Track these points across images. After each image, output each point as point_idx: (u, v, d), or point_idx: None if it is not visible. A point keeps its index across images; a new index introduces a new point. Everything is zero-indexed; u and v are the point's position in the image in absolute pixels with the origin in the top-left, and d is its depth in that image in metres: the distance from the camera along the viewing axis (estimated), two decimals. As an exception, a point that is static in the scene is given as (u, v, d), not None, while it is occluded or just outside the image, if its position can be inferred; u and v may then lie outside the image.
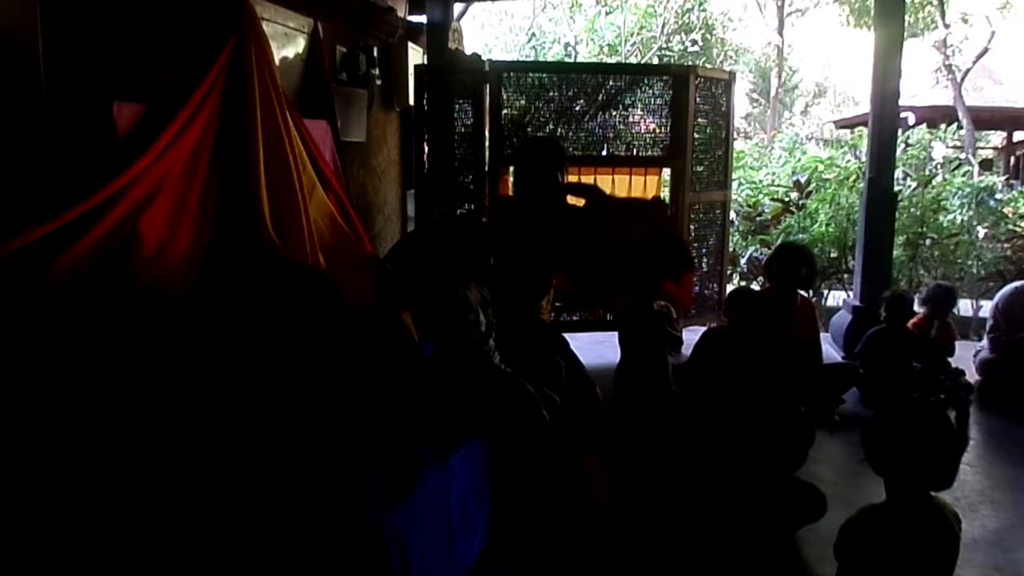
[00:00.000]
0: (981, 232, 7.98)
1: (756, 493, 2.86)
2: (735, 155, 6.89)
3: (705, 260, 5.33)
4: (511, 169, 4.65)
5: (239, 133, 2.73)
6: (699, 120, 5.05)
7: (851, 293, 6.09)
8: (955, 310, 4.99)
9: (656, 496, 3.07)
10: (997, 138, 18.05)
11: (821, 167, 8.23)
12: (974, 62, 16.16)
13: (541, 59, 15.58)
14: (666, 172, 5.28)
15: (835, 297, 7.87)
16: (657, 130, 4.96)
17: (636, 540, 2.79)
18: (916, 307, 4.58)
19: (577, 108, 4.97)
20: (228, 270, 2.60)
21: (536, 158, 3.74)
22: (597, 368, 3.80)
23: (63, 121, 2.44)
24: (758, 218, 8.39)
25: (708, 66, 15.31)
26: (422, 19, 5.48)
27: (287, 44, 4.02)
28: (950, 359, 4.54)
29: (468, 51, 5.59)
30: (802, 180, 8.30)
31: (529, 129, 4.85)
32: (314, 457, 2.15)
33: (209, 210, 2.65)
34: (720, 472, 3.02)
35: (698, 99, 4.99)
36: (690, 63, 15.19)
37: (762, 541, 2.75)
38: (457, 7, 6.79)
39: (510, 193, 4.71)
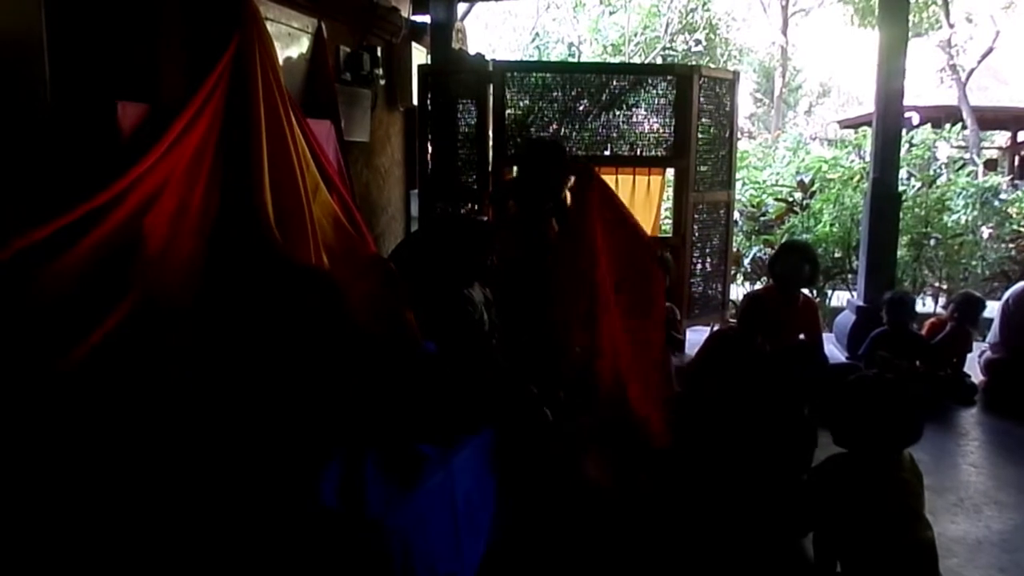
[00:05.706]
0: (985, 232, 7.95)
1: (761, 496, 2.86)
2: (739, 155, 6.86)
3: (709, 260, 5.32)
4: (514, 168, 4.65)
5: (242, 133, 2.73)
6: (703, 120, 5.04)
7: (855, 293, 6.07)
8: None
9: (660, 497, 3.07)
10: (1002, 138, 17.95)
11: (825, 167, 8.21)
12: (979, 62, 16.12)
13: (545, 59, 15.61)
14: (670, 172, 5.27)
15: (839, 297, 7.84)
16: (661, 130, 4.95)
17: (640, 541, 2.78)
18: (939, 309, 4.55)
19: (581, 108, 4.97)
20: (232, 270, 2.60)
21: (539, 160, 3.73)
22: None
23: (67, 121, 2.44)
24: (762, 218, 8.36)
25: (712, 66, 15.33)
26: (426, 19, 5.49)
27: (291, 44, 4.02)
28: (962, 366, 4.54)
29: (472, 51, 5.59)
30: (806, 180, 8.27)
31: (533, 129, 4.85)
32: (315, 456, 2.15)
33: (212, 210, 2.66)
34: (724, 474, 3.01)
35: (702, 99, 4.97)
36: (694, 63, 15.19)
37: (767, 542, 2.75)
38: (461, 7, 6.81)
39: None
